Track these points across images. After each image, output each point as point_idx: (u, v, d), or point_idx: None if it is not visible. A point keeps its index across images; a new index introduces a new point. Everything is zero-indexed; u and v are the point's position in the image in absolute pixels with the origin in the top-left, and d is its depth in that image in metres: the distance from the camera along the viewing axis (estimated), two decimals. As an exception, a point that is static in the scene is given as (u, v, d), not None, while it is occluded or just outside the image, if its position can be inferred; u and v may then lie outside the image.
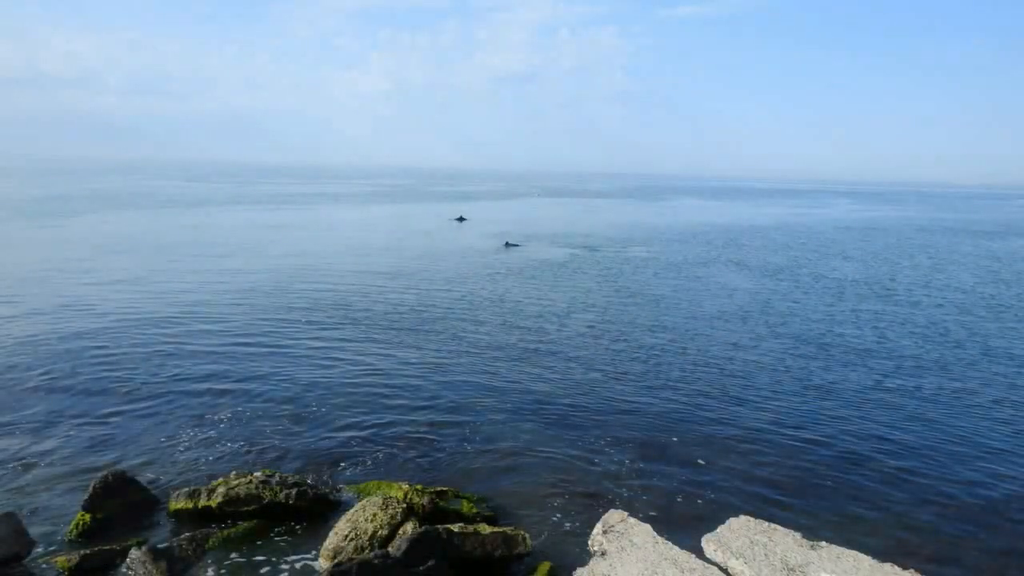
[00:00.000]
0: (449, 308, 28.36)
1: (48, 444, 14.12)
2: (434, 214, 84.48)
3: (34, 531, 10.54)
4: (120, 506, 11.33)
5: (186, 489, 11.71)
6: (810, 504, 12.43)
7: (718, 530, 8.93)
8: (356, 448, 14.37)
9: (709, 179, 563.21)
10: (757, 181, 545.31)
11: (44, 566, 9.98)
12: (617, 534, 9.01)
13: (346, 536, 10.31)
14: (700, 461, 14.09)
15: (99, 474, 11.74)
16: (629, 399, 17.71)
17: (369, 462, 13.77)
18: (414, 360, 20.78)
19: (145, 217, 68.81)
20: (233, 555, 10.35)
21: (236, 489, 11.53)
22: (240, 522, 11.20)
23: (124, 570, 9.80)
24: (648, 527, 9.22)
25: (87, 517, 11.03)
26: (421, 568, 9.43)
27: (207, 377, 18.64)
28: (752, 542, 8.59)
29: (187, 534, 10.66)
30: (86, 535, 10.77)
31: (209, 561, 10.18)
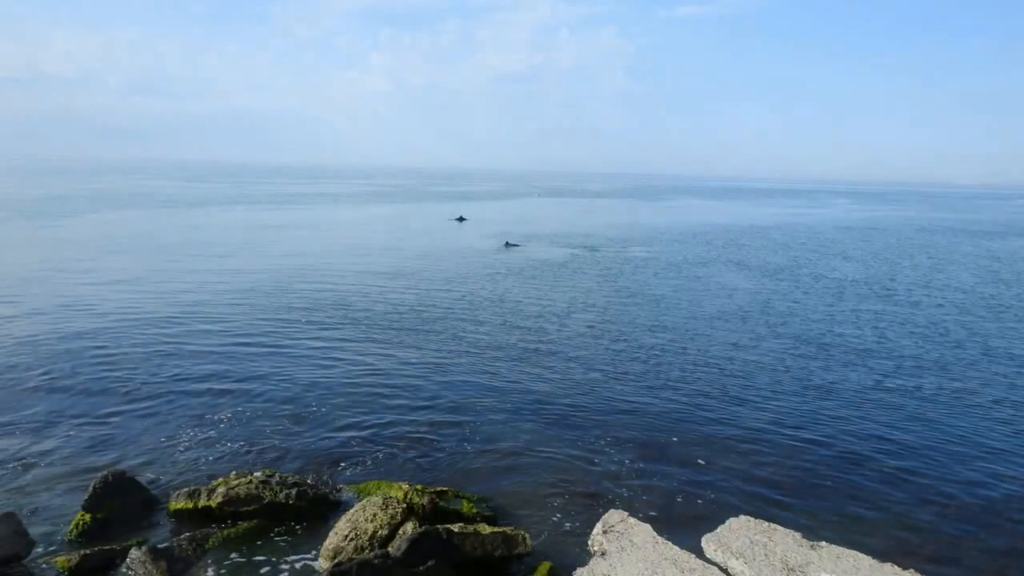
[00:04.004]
0: (449, 308, 28.36)
1: (48, 444, 14.12)
2: (434, 214, 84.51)
3: (34, 531, 10.53)
4: (120, 506, 11.33)
5: (186, 489, 11.71)
6: (810, 504, 12.43)
7: (718, 530, 8.94)
8: (356, 448, 14.37)
9: (709, 179, 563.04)
10: (757, 181, 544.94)
11: (44, 566, 9.97)
12: (617, 534, 9.01)
13: (346, 536, 10.31)
14: (700, 461, 14.08)
15: (99, 474, 11.74)
16: (629, 399, 17.70)
17: (369, 462, 13.77)
18: (414, 360, 20.78)
19: (145, 217, 68.83)
20: (233, 555, 10.35)
21: (236, 489, 11.53)
22: (240, 522, 11.20)
23: (124, 570, 9.80)
24: (648, 527, 9.22)
25: (87, 517, 11.03)
26: (421, 568, 9.43)
27: (207, 377, 18.64)
28: (752, 542, 8.59)
29: (187, 534, 10.66)
30: (86, 535, 10.77)
31: (209, 561, 10.18)
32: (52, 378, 18.21)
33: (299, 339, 22.81)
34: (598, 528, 9.25)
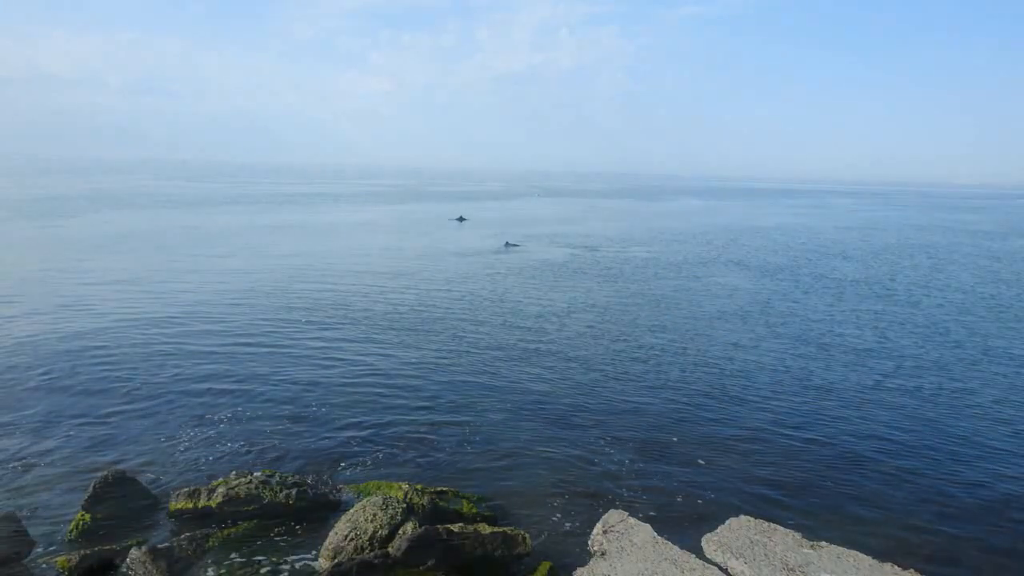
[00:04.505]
0: (449, 308, 28.35)
1: (48, 444, 14.12)
2: (434, 214, 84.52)
3: (34, 531, 10.54)
4: (120, 506, 11.34)
5: (186, 489, 11.72)
6: (810, 504, 12.42)
7: (718, 530, 8.94)
8: (356, 448, 14.37)
9: (709, 179, 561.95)
10: (757, 181, 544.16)
11: (44, 566, 9.97)
12: (617, 534, 9.01)
13: (346, 536, 10.31)
14: (700, 461, 14.08)
15: (99, 474, 11.75)
16: (629, 399, 17.70)
17: (369, 462, 13.77)
18: (414, 360, 20.78)
19: (145, 217, 68.86)
20: (233, 555, 10.36)
21: (236, 489, 11.53)
22: (240, 522, 11.20)
23: (124, 570, 9.80)
24: (648, 527, 9.23)
25: (87, 517, 11.04)
26: (421, 568, 9.44)
27: (207, 377, 18.63)
28: (752, 542, 8.59)
29: (187, 534, 10.66)
30: (86, 535, 10.77)
31: (209, 561, 10.18)
32: (52, 378, 18.21)
33: (299, 339, 22.81)
34: (598, 528, 9.26)
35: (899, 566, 8.10)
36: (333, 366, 19.95)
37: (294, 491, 11.60)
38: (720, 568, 8.27)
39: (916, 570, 8.02)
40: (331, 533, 10.57)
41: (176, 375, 18.74)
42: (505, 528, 10.58)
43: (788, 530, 8.95)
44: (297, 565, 10.18)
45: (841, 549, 8.49)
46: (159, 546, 10.20)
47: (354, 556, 9.74)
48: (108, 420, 15.55)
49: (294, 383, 18.29)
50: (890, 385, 19.40)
